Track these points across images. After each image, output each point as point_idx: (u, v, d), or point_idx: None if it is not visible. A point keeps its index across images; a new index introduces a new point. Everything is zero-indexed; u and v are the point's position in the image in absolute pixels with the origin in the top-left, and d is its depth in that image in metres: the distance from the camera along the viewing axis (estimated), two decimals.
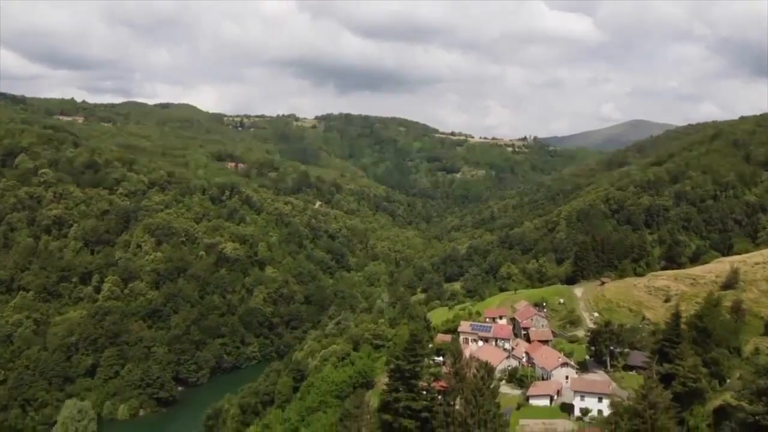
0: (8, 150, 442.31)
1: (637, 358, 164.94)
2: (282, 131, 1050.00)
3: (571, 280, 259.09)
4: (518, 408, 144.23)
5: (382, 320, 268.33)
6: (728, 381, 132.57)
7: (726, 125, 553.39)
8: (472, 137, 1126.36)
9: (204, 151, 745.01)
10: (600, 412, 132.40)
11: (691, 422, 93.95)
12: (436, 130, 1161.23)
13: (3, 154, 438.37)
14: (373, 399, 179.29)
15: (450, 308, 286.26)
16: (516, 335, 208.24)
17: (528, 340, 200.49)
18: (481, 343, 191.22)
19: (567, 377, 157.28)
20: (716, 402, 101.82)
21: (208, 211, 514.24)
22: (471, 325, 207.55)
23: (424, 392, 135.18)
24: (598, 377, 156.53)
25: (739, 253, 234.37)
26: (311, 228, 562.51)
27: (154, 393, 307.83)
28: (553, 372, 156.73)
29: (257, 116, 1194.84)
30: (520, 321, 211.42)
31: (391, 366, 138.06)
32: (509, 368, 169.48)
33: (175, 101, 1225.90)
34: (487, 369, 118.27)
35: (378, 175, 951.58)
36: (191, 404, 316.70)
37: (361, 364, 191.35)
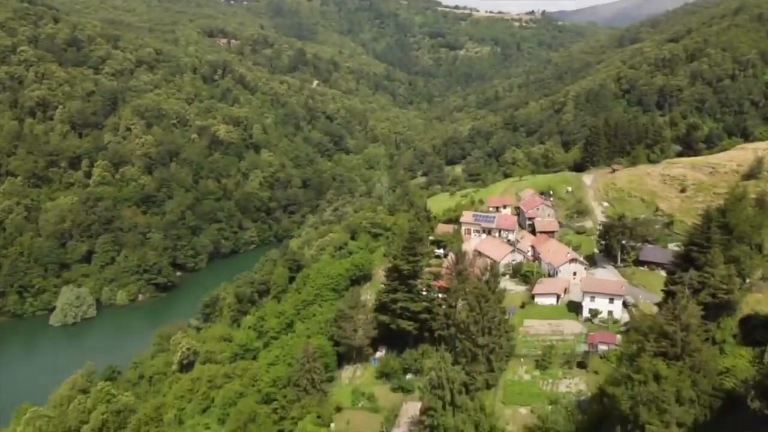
0: None
1: (650, 252, 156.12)
2: (277, 4, 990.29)
3: (579, 167, 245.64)
4: (522, 306, 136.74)
5: (381, 207, 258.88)
6: (748, 281, 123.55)
7: None
8: (477, 11, 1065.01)
9: (194, 26, 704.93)
10: (611, 313, 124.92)
11: (718, 336, 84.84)
12: (438, 3, 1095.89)
13: None
14: (370, 292, 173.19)
15: (451, 194, 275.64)
16: (521, 226, 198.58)
17: (533, 231, 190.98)
18: (484, 235, 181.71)
19: (575, 274, 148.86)
20: (744, 310, 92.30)
21: (200, 92, 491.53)
22: (473, 215, 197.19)
23: (424, 293, 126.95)
24: (609, 275, 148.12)
25: (762, 139, 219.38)
26: (308, 109, 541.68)
27: (152, 279, 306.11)
28: (561, 268, 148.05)
29: None
30: (525, 211, 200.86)
31: (389, 265, 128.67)
32: (513, 263, 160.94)
33: None
34: (493, 272, 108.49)
35: (378, 53, 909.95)
36: (190, 289, 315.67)
37: (358, 257, 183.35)
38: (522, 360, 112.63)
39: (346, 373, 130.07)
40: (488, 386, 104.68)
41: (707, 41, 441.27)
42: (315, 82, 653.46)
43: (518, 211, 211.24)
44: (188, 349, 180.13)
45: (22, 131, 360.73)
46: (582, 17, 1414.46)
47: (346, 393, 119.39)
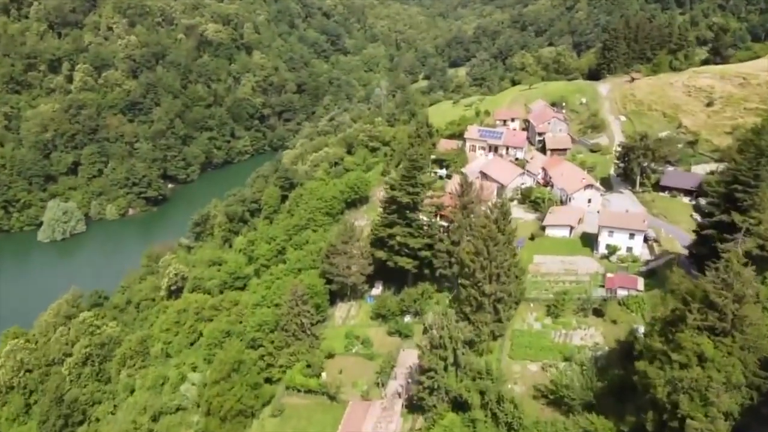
0: None
1: (673, 177, 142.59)
2: None
3: (595, 75, 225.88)
4: (532, 239, 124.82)
5: (380, 119, 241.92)
6: None
7: None
8: None
9: None
10: (630, 250, 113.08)
11: (763, 293, 72.87)
12: None
13: None
14: (367, 216, 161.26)
15: (455, 103, 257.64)
16: (530, 142, 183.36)
17: (544, 148, 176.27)
18: (491, 154, 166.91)
19: (590, 200, 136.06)
20: None
21: None
22: (479, 130, 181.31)
23: (425, 227, 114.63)
24: (627, 201, 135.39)
25: None
26: (303, 5, 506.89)
27: (142, 192, 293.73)
28: (575, 195, 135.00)
29: None
30: (535, 125, 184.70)
31: (386, 195, 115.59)
32: (522, 187, 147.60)
33: None
34: (503, 210, 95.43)
35: None
36: (183, 201, 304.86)
37: (354, 177, 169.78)
38: (531, 305, 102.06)
39: (340, 311, 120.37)
40: (494, 337, 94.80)
41: None
42: None
43: (527, 125, 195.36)
44: (176, 274, 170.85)
45: None
46: None
47: (339, 336, 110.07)
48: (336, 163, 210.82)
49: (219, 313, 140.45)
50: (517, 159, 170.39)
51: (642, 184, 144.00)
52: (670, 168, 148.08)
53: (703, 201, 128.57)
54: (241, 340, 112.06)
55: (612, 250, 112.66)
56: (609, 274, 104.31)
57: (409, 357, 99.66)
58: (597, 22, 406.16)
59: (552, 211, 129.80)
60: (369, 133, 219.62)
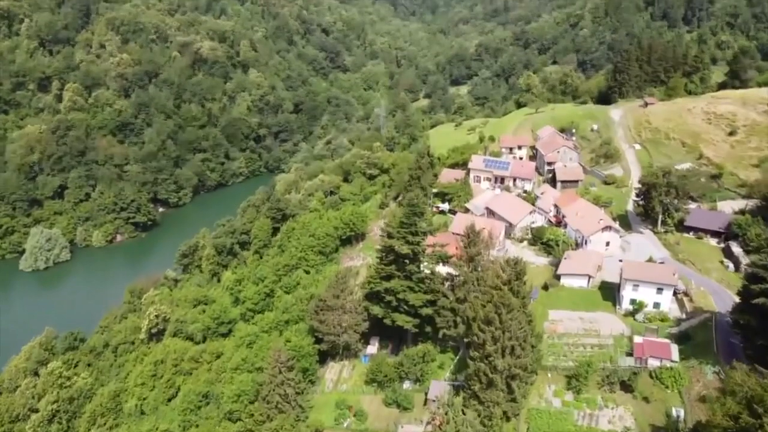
0: None
1: (699, 216, 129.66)
2: None
3: (605, 99, 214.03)
4: (546, 288, 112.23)
5: (378, 144, 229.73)
6: None
7: None
8: None
9: None
10: (657, 306, 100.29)
11: None
12: None
13: None
14: (363, 255, 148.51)
15: (457, 126, 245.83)
16: (539, 172, 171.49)
17: (554, 179, 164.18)
18: (498, 189, 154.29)
19: (608, 243, 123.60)
20: None
21: (184, 2, 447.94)
22: (484, 160, 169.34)
23: (426, 281, 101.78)
24: (648, 243, 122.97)
25: None
26: (302, 21, 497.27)
27: (130, 217, 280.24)
28: (592, 238, 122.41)
29: None
30: (543, 154, 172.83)
31: (383, 245, 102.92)
32: (533, 226, 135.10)
33: None
34: (518, 269, 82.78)
35: None
36: (174, 226, 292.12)
37: (349, 212, 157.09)
38: (549, 375, 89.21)
39: (331, 372, 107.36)
40: (508, 418, 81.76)
41: None
42: None
43: (535, 153, 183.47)
44: (157, 316, 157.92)
45: None
46: None
47: (329, 404, 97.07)
48: (331, 192, 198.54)
49: (199, 365, 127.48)
50: (525, 192, 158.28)
51: (664, 223, 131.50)
52: (693, 204, 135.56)
53: (736, 247, 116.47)
54: (218, 408, 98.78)
55: (637, 306, 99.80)
56: (637, 338, 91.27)
57: None
58: (602, 39, 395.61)
59: (567, 256, 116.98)
60: (367, 159, 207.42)
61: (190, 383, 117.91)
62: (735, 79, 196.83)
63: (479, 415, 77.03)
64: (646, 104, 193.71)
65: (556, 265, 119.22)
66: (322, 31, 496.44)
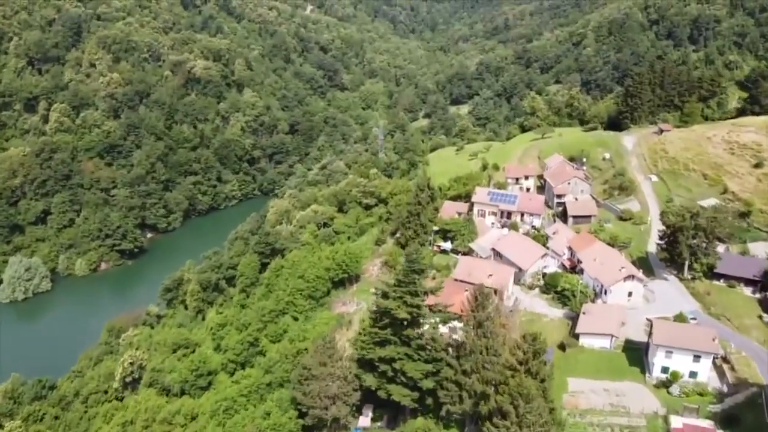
0: None
1: (731, 263, 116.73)
2: None
3: (615, 124, 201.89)
4: (563, 349, 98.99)
5: (375, 170, 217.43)
6: None
7: None
8: None
9: None
10: (694, 375, 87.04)
11: None
12: None
13: None
14: (356, 300, 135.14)
15: (458, 150, 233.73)
16: (547, 205, 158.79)
17: (564, 213, 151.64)
18: (505, 229, 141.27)
19: (630, 294, 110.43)
20: None
21: (179, 20, 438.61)
22: (489, 192, 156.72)
23: (427, 348, 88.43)
24: (676, 293, 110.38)
25: None
26: (300, 39, 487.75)
27: (116, 244, 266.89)
28: (612, 288, 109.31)
29: None
30: (552, 185, 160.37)
31: (377, 306, 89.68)
32: (545, 270, 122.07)
33: None
34: (536, 348, 69.56)
35: None
36: (162, 252, 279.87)
37: (343, 250, 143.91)
38: None
39: None
40: None
41: None
42: (308, 8, 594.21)
43: (543, 183, 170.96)
44: (132, 363, 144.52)
45: None
46: None
47: None
48: (325, 224, 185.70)
49: (172, 428, 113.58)
50: (534, 228, 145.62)
51: (691, 268, 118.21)
52: (721, 247, 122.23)
53: None
54: None
55: (672, 377, 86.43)
56: (674, 420, 77.96)
57: None
58: (606, 59, 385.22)
59: (586, 311, 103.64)
60: (363, 188, 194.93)
61: None
62: (755, 105, 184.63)
63: None
64: (661, 131, 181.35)
65: (573, 318, 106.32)
66: (320, 49, 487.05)
